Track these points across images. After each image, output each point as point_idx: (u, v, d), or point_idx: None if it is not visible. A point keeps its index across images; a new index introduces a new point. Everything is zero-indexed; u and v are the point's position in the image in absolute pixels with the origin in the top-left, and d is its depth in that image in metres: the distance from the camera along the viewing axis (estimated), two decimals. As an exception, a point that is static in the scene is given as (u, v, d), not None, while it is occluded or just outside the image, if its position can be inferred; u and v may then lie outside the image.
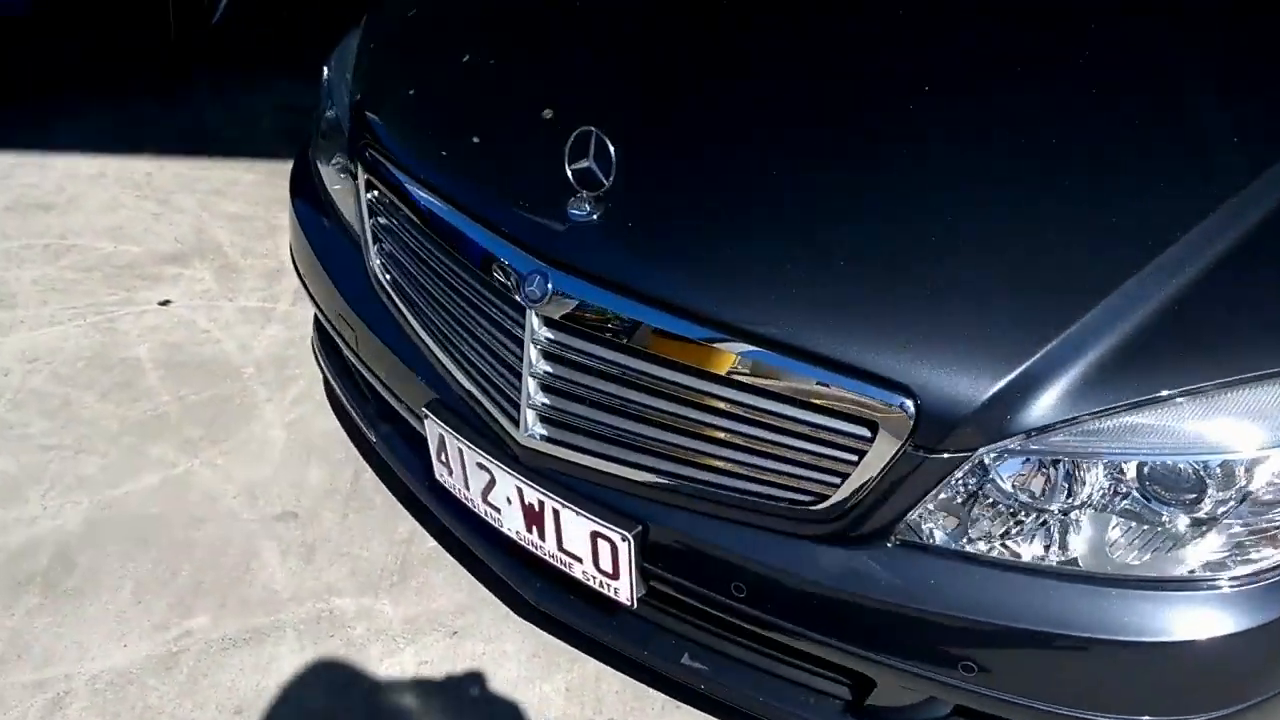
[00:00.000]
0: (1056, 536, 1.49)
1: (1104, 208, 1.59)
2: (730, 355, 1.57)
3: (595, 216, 1.69)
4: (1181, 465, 1.44)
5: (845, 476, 1.55)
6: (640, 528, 1.72)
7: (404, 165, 1.97)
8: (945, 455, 1.48)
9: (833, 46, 1.97)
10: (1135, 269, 1.50)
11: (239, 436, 2.81)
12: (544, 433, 1.79)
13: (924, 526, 1.55)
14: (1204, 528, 1.46)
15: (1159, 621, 1.45)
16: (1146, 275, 1.50)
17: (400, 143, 2.01)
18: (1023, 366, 1.44)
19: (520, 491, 1.85)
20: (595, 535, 1.77)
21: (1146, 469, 1.46)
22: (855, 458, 1.53)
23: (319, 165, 2.40)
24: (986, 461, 1.48)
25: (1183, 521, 1.46)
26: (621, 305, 1.65)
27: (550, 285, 1.68)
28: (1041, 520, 1.50)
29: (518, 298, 1.71)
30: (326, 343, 2.56)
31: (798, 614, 1.64)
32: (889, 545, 1.58)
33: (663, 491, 1.71)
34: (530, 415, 1.79)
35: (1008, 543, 1.52)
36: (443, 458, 1.99)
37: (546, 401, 1.77)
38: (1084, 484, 1.47)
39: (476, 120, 1.97)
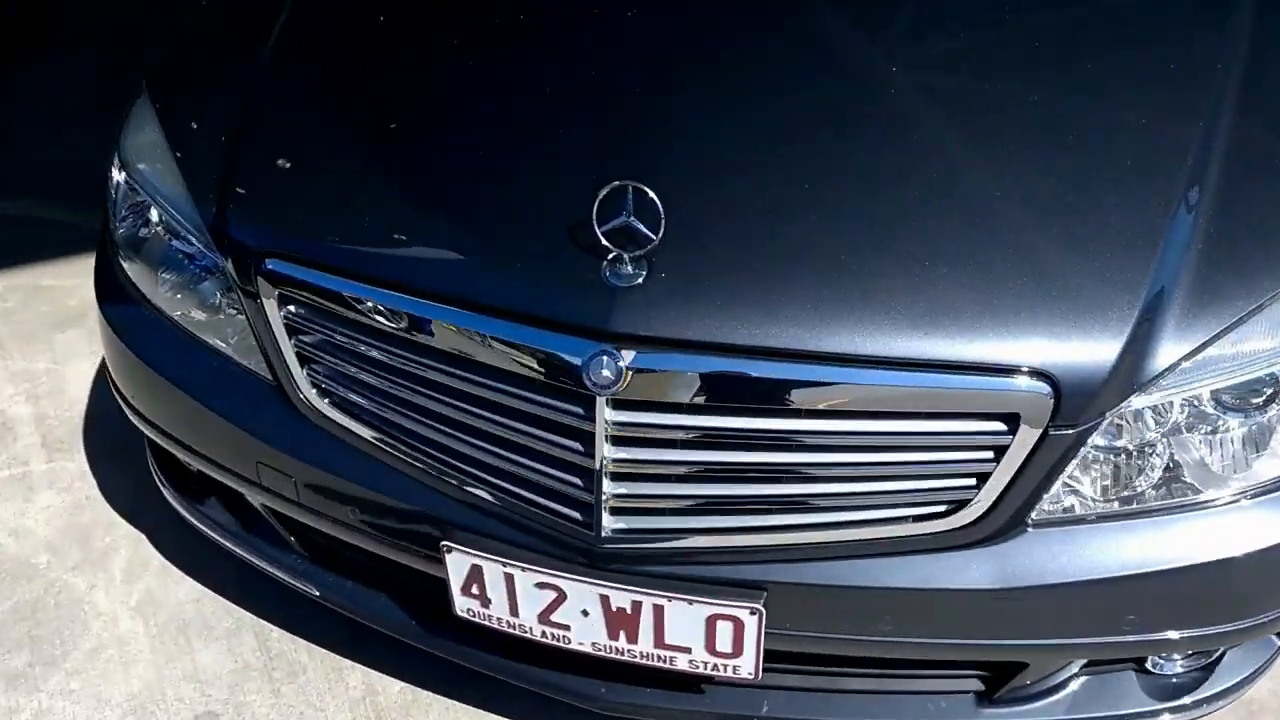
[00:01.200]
0: (1181, 472, 1.55)
1: (1115, 149, 1.65)
2: (845, 386, 1.47)
3: (643, 276, 1.51)
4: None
5: (984, 477, 1.51)
6: (764, 595, 1.59)
7: (355, 270, 1.64)
8: (1081, 427, 1.48)
9: (833, 42, 1.87)
10: (1172, 199, 1.58)
11: (82, 647, 2.27)
12: (627, 526, 1.59)
13: (1059, 502, 1.56)
14: None
15: None
16: (1182, 201, 1.58)
17: (342, 243, 1.67)
18: (1134, 318, 1.48)
19: (605, 599, 1.64)
20: (713, 619, 1.61)
21: (1245, 385, 1.54)
22: (992, 455, 1.50)
23: (147, 291, 1.95)
24: (1117, 420, 1.51)
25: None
26: (707, 364, 1.49)
27: (622, 365, 1.48)
28: (1165, 461, 1.55)
29: (586, 387, 1.49)
30: (197, 495, 2.13)
31: (952, 627, 1.60)
32: (1028, 530, 1.57)
33: (783, 550, 1.59)
34: (607, 513, 1.58)
35: (1139, 491, 1.56)
36: (474, 590, 1.71)
37: (625, 492, 1.57)
38: (1192, 415, 1.54)
39: (448, 195, 1.67)
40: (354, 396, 1.72)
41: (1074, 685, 1.75)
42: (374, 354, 1.66)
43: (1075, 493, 1.55)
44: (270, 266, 1.71)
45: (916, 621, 1.60)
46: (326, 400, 1.76)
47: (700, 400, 1.50)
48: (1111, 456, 1.53)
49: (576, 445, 1.56)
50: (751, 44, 1.82)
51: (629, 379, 1.48)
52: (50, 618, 2.33)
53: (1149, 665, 1.76)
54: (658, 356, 1.49)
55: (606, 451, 1.54)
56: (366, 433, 1.73)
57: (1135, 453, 1.54)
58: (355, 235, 1.68)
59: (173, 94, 2.04)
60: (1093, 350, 1.45)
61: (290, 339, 1.74)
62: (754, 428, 1.51)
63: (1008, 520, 1.54)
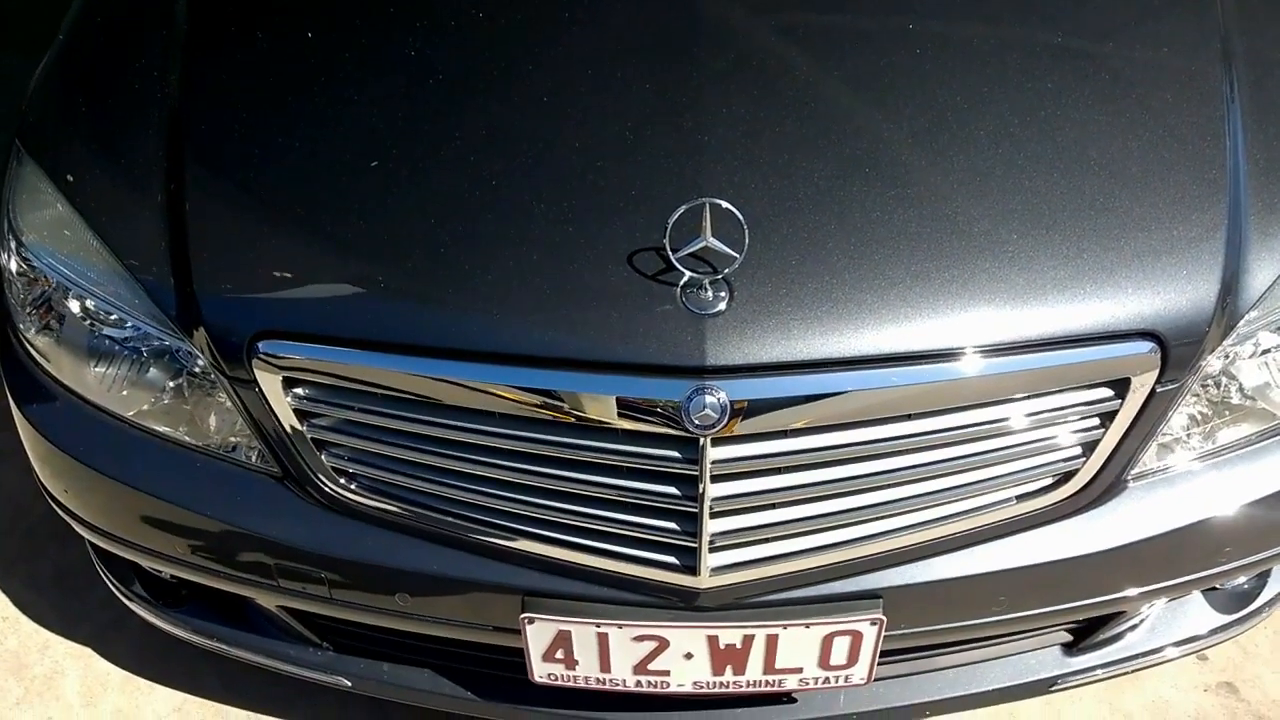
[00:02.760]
0: (1262, 401, 1.57)
1: (1148, 85, 1.60)
2: (953, 382, 1.40)
3: (725, 300, 1.38)
4: None
5: (1091, 446, 1.48)
6: (880, 603, 1.52)
7: (378, 338, 1.42)
8: (1186, 379, 1.47)
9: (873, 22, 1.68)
10: (1218, 123, 1.56)
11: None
12: (732, 561, 1.49)
13: (1159, 456, 1.55)
14: None
15: None
16: (1226, 121, 1.56)
17: (355, 309, 1.44)
18: (1223, 255, 1.46)
19: (713, 640, 1.53)
20: (830, 637, 1.53)
21: None
22: (1099, 422, 1.47)
23: (82, 390, 1.67)
24: (1214, 368, 1.51)
25: None
26: (808, 384, 1.38)
27: (724, 400, 1.35)
28: (1249, 393, 1.56)
29: (688, 430, 1.36)
30: (173, 603, 1.88)
31: (1062, 593, 1.58)
32: (1129, 486, 1.55)
33: (894, 555, 1.52)
34: (710, 552, 1.47)
35: (1228, 428, 1.57)
36: (559, 655, 1.57)
37: (728, 528, 1.46)
38: (1265, 344, 1.55)
39: (476, 234, 1.45)
40: (391, 476, 1.52)
41: (1154, 614, 1.78)
42: (415, 428, 1.46)
43: (1171, 441, 1.55)
44: (267, 350, 1.47)
45: (1029, 595, 1.57)
46: (355, 485, 1.55)
47: (802, 422, 1.39)
48: (1206, 398, 1.53)
49: (673, 490, 1.43)
50: (796, 41, 1.64)
51: (730, 415, 1.36)
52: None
53: (1216, 585, 1.81)
54: (756, 384, 1.37)
55: (710, 490, 1.42)
56: (411, 512, 1.53)
57: (1224, 391, 1.54)
58: (371, 296, 1.45)
59: (67, 152, 1.71)
60: (1192, 297, 1.43)
61: (303, 424, 1.51)
62: (860, 439, 1.42)
63: (1112, 482, 1.52)
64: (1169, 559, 1.58)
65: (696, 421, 1.35)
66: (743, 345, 1.36)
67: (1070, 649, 1.77)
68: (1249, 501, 1.55)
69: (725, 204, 1.36)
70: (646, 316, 1.37)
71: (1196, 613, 1.81)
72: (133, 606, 1.92)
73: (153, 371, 1.62)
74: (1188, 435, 1.56)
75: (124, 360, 1.63)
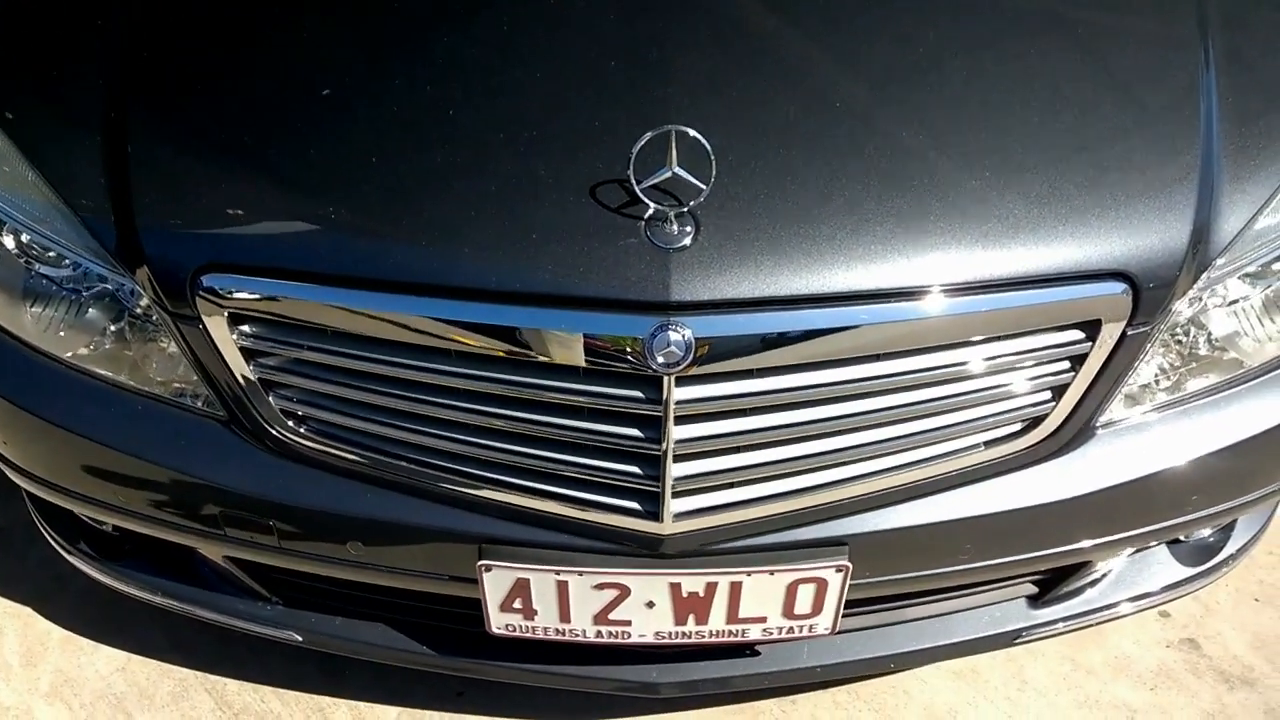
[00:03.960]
0: (1230, 349, 1.55)
1: (1120, 26, 1.58)
2: (922, 320, 1.36)
3: (690, 234, 1.33)
4: None
5: (1060, 390, 1.45)
6: (846, 550, 1.49)
7: (329, 271, 1.36)
8: (1156, 322, 1.44)
9: None
10: (1193, 61, 1.53)
11: (-4, 749, 1.92)
12: (695, 507, 1.45)
13: (1125, 403, 1.53)
14: None
15: None
16: (1202, 61, 1.54)
17: (305, 239, 1.39)
18: (1195, 196, 1.43)
19: (675, 587, 1.50)
20: (795, 584, 1.50)
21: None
22: (1069, 365, 1.44)
23: (18, 330, 1.60)
24: (1184, 314, 1.49)
25: None
26: (774, 321, 1.34)
27: (690, 337, 1.31)
28: (1217, 340, 1.54)
29: (651, 368, 1.32)
30: (113, 556, 1.82)
31: (1030, 541, 1.56)
32: (1097, 433, 1.53)
33: (859, 501, 1.48)
34: (673, 497, 1.43)
35: (1196, 375, 1.55)
36: (516, 605, 1.53)
37: (691, 471, 1.42)
38: (1234, 292, 1.53)
39: (430, 163, 1.39)
40: (344, 420, 1.46)
41: (1118, 568, 1.77)
42: (370, 368, 1.41)
43: (1140, 389, 1.52)
44: (211, 284, 1.41)
45: (996, 544, 1.55)
46: (304, 428, 1.49)
47: (769, 361, 1.35)
48: (1173, 344, 1.51)
49: (635, 432, 1.39)
50: None
51: (698, 351, 1.31)
52: (-59, 726, 1.95)
53: (1182, 537, 1.79)
54: (721, 320, 1.33)
55: (673, 433, 1.37)
56: (365, 456, 1.48)
57: (1192, 340, 1.52)
58: (322, 226, 1.39)
59: (3, 84, 1.64)
60: (1164, 238, 1.40)
61: (250, 364, 1.45)
62: (827, 381, 1.38)
63: (1080, 429, 1.50)
64: (1136, 507, 1.56)
65: (660, 359, 1.31)
66: (708, 281, 1.32)
67: (1035, 601, 1.76)
68: (1216, 449, 1.54)
69: (692, 132, 1.31)
70: (609, 251, 1.33)
71: (1161, 566, 1.80)
72: (74, 561, 1.85)
73: (92, 313, 1.56)
74: (1156, 383, 1.54)
75: (62, 301, 1.56)
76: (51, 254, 1.54)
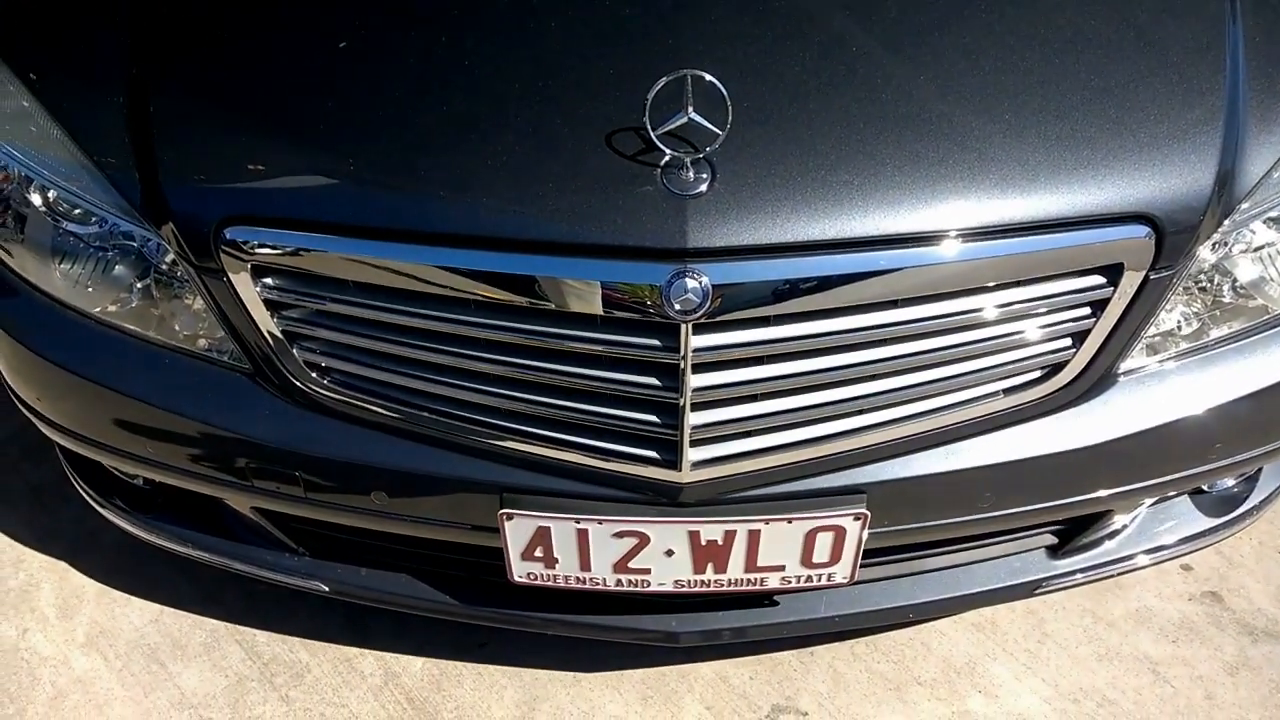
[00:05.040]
0: (1255, 294, 1.54)
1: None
2: (941, 265, 1.36)
3: (707, 180, 1.33)
4: None
5: (1081, 336, 1.45)
6: (865, 499, 1.50)
7: (351, 221, 1.38)
8: (1179, 267, 1.43)
9: None
10: (1223, 6, 1.51)
11: (38, 700, 1.97)
12: (713, 455, 1.45)
13: (1147, 351, 1.52)
14: None
15: None
16: (1232, 10, 1.52)
17: (327, 190, 1.40)
18: (1220, 139, 1.41)
19: (694, 535, 1.51)
20: (813, 533, 1.51)
21: None
22: (1090, 311, 1.43)
23: (48, 287, 1.62)
24: (1207, 260, 1.48)
25: None
26: (791, 268, 1.34)
27: (707, 284, 1.32)
28: (1240, 285, 1.53)
29: (669, 315, 1.32)
30: (144, 508, 1.85)
31: (1051, 490, 1.56)
32: (1119, 380, 1.53)
33: (878, 449, 1.49)
34: (691, 445, 1.44)
35: (1220, 320, 1.54)
36: (538, 553, 1.55)
37: (709, 420, 1.43)
38: (1260, 237, 1.52)
39: (451, 114, 1.40)
40: (366, 371, 1.48)
41: (1140, 518, 1.77)
42: (390, 319, 1.42)
43: (1163, 335, 1.52)
44: (234, 236, 1.42)
45: (1016, 492, 1.55)
46: (328, 380, 1.51)
47: (786, 308, 1.35)
48: (1197, 291, 1.50)
49: (654, 380, 1.40)
50: None
51: (713, 299, 1.32)
52: (-16, 675, 2.00)
53: (1204, 486, 1.79)
54: (739, 267, 1.33)
55: (691, 381, 1.38)
56: (387, 408, 1.50)
57: (1216, 286, 1.51)
58: (341, 179, 1.40)
59: (27, 44, 1.66)
60: (1187, 180, 1.39)
61: (274, 316, 1.47)
62: (845, 328, 1.38)
63: (1101, 377, 1.49)
64: (1158, 456, 1.56)
65: (677, 306, 1.32)
66: (725, 227, 1.32)
67: (1055, 552, 1.76)
68: (1239, 397, 1.53)
69: (708, 76, 1.31)
70: (625, 198, 1.33)
71: (1183, 517, 1.79)
72: (107, 514, 1.89)
73: (119, 269, 1.58)
74: (1179, 330, 1.53)
75: (89, 258, 1.58)
76: (79, 211, 1.56)
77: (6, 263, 1.66)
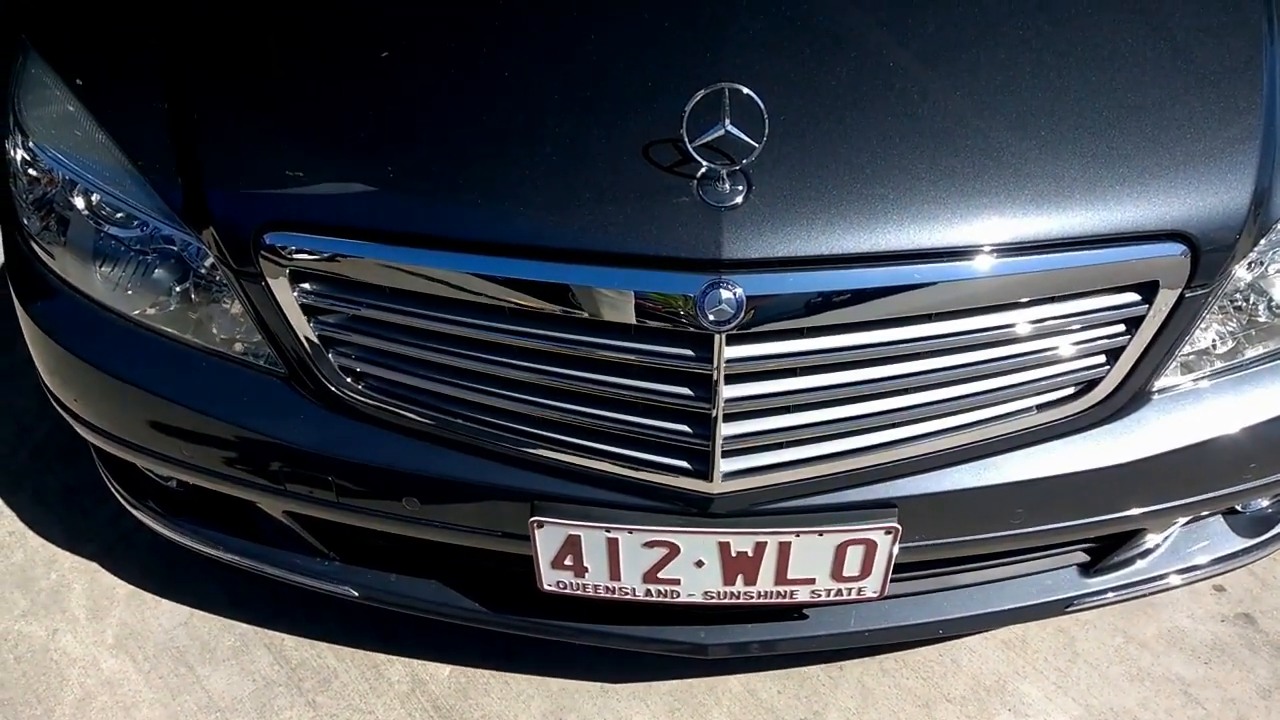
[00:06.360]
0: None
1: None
2: (977, 280, 1.36)
3: (743, 192, 1.34)
4: None
5: (1116, 353, 1.44)
6: (896, 513, 1.49)
7: (388, 229, 1.39)
8: (1215, 285, 1.42)
9: None
10: (1256, 21, 1.51)
11: (65, 701, 1.98)
12: (745, 467, 1.46)
13: (1182, 369, 1.51)
14: None
15: None
16: (1265, 20, 1.52)
17: (364, 198, 1.41)
18: (1257, 157, 1.41)
19: (724, 547, 1.51)
20: (843, 546, 1.50)
21: None
22: (1124, 328, 1.43)
23: (89, 290, 1.64)
24: (1243, 280, 1.47)
25: None
26: (826, 280, 1.35)
27: (741, 295, 1.32)
28: (1273, 309, 1.52)
29: (703, 326, 1.33)
30: (176, 511, 1.87)
31: (1083, 507, 1.55)
32: (1154, 398, 1.52)
33: (910, 463, 1.49)
34: (723, 456, 1.44)
35: (1257, 344, 1.53)
36: (568, 561, 1.55)
37: (741, 431, 1.43)
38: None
39: (487, 124, 1.42)
40: (401, 377, 1.49)
41: (1172, 537, 1.75)
42: (426, 326, 1.43)
43: (1198, 353, 1.51)
44: (273, 241, 1.44)
45: (1048, 509, 1.54)
46: (363, 385, 1.53)
47: (820, 321, 1.36)
48: (1233, 309, 1.49)
49: (687, 391, 1.40)
50: None
51: (747, 310, 1.32)
52: (14, 676, 2.02)
53: (1238, 506, 1.77)
54: (773, 279, 1.34)
55: (724, 392, 1.38)
56: (420, 414, 1.51)
57: (1252, 305, 1.50)
58: (380, 186, 1.42)
59: (72, 49, 1.69)
60: (1224, 199, 1.38)
61: (310, 321, 1.49)
62: (878, 341, 1.38)
63: (1136, 394, 1.49)
64: (1191, 474, 1.55)
65: (711, 317, 1.32)
66: (760, 239, 1.33)
67: (1087, 570, 1.75)
68: (1275, 417, 1.52)
69: (745, 89, 1.32)
70: (661, 209, 1.34)
71: (1217, 537, 1.78)
72: (140, 516, 1.91)
73: (159, 272, 1.60)
74: (1214, 348, 1.52)
75: (130, 261, 1.61)
76: (120, 215, 1.58)
77: (48, 265, 1.68)
